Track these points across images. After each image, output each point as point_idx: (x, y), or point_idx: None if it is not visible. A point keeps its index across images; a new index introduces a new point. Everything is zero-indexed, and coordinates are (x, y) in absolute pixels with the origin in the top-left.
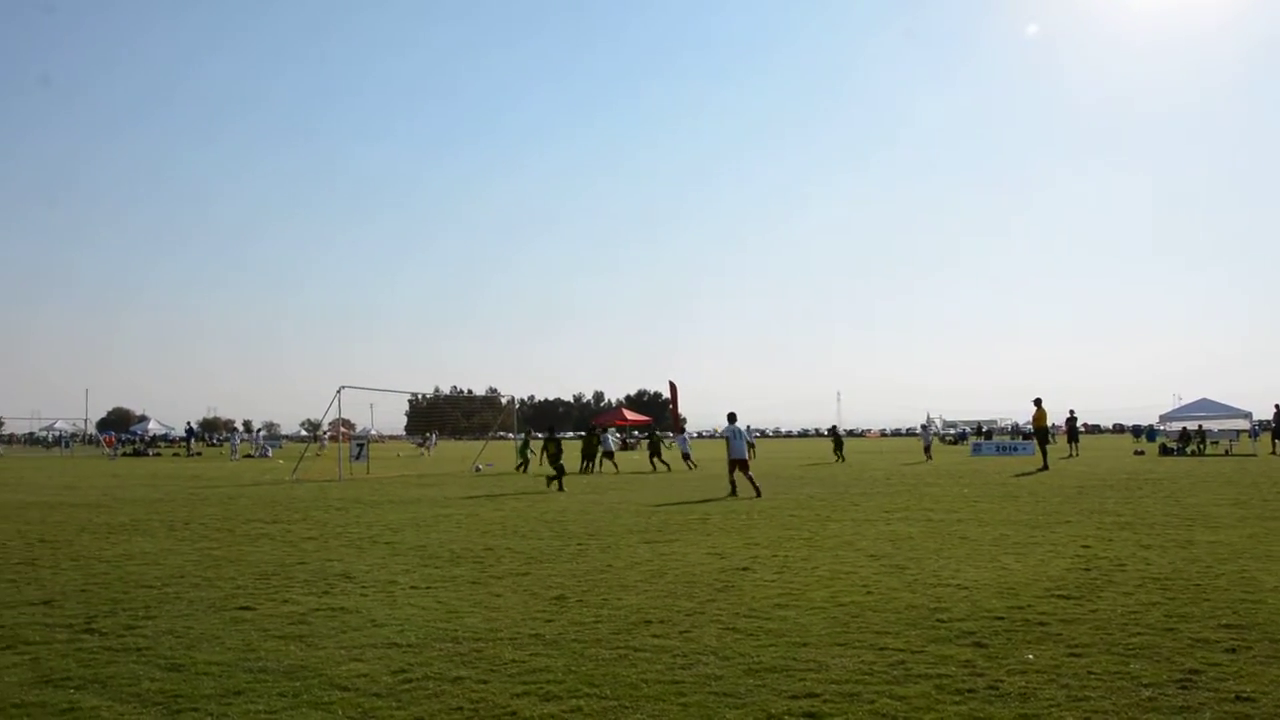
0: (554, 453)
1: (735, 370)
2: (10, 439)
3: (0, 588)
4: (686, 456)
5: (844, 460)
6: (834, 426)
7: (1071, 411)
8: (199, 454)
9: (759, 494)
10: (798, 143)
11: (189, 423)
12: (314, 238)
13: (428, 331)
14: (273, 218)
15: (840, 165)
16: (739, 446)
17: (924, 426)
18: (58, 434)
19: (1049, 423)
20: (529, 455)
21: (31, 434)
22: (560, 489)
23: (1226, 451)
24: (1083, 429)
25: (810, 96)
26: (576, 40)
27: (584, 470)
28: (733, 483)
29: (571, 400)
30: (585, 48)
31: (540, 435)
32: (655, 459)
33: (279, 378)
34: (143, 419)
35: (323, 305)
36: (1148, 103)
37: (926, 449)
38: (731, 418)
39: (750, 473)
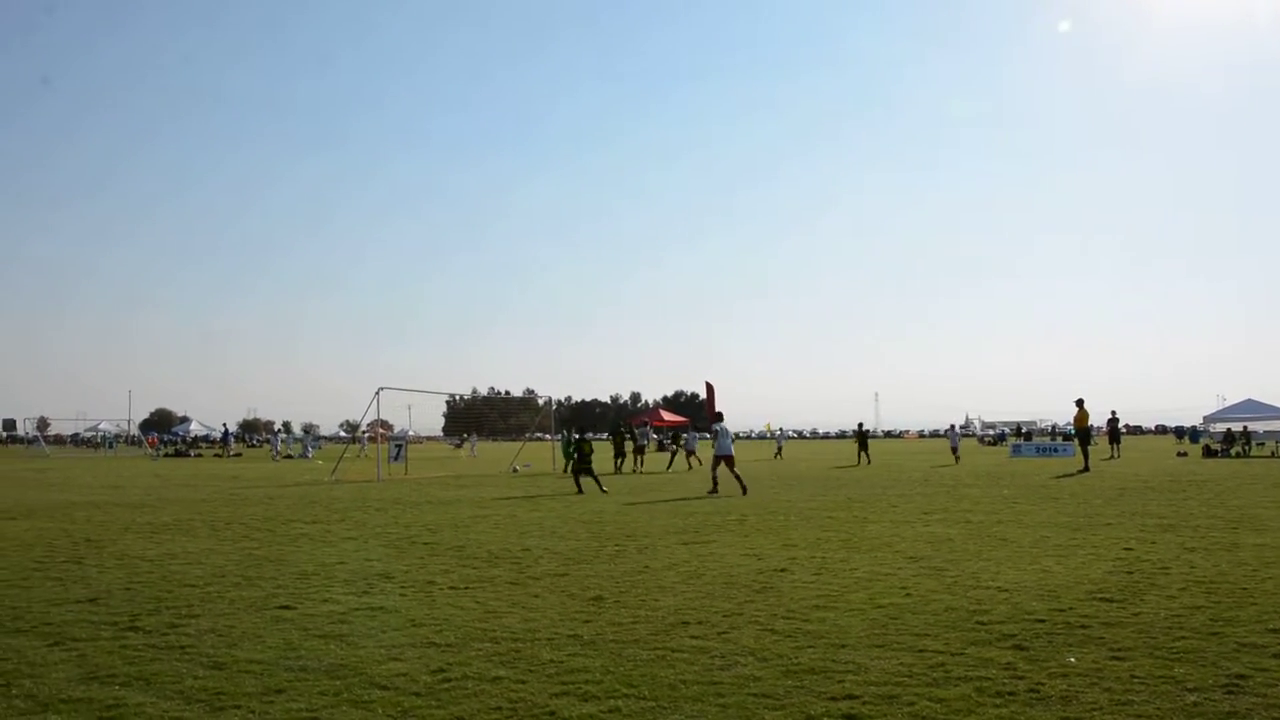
0: (586, 453)
1: (774, 371)
2: (57, 439)
3: (48, 586)
4: (691, 453)
5: (869, 462)
6: (860, 425)
7: (1113, 412)
8: (239, 455)
9: (744, 491)
10: (836, 143)
11: (224, 424)
12: (352, 241)
13: (465, 333)
14: (309, 221)
15: (876, 165)
16: (724, 444)
17: (952, 428)
18: (102, 435)
19: (1090, 424)
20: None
21: (77, 435)
22: (601, 489)
23: (1273, 453)
24: (1124, 430)
25: (846, 98)
26: (615, 39)
27: (617, 469)
28: (715, 479)
29: (609, 401)
30: (626, 46)
31: (577, 436)
32: (691, 458)
33: (317, 379)
34: (184, 420)
35: (361, 307)
36: (1186, 97)
37: (954, 450)
38: (719, 417)
39: (736, 469)
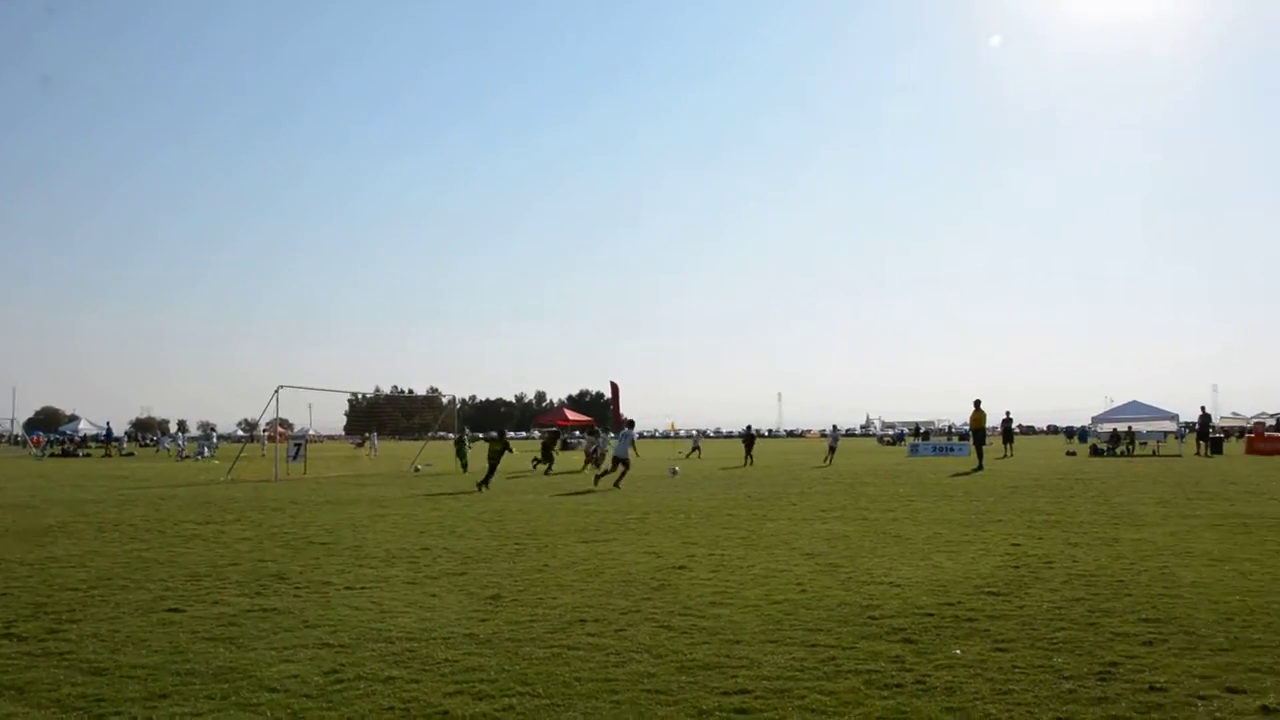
0: (497, 451)
1: (680, 371)
2: None
3: None
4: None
5: (751, 464)
6: (748, 427)
7: (1007, 413)
8: (131, 454)
9: (617, 486)
10: (745, 149)
11: (107, 423)
12: (264, 242)
13: (371, 332)
14: (219, 223)
15: (785, 170)
16: (622, 447)
17: (834, 429)
18: None
19: (985, 424)
20: (467, 456)
21: None
22: (483, 487)
23: (1154, 452)
24: (1017, 430)
25: (758, 105)
26: (530, 49)
27: (547, 472)
28: (603, 473)
29: (513, 400)
30: (543, 53)
31: (482, 436)
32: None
33: (214, 377)
34: (73, 418)
35: (268, 307)
36: (1089, 107)
37: (832, 450)
38: (630, 424)
39: (627, 472)
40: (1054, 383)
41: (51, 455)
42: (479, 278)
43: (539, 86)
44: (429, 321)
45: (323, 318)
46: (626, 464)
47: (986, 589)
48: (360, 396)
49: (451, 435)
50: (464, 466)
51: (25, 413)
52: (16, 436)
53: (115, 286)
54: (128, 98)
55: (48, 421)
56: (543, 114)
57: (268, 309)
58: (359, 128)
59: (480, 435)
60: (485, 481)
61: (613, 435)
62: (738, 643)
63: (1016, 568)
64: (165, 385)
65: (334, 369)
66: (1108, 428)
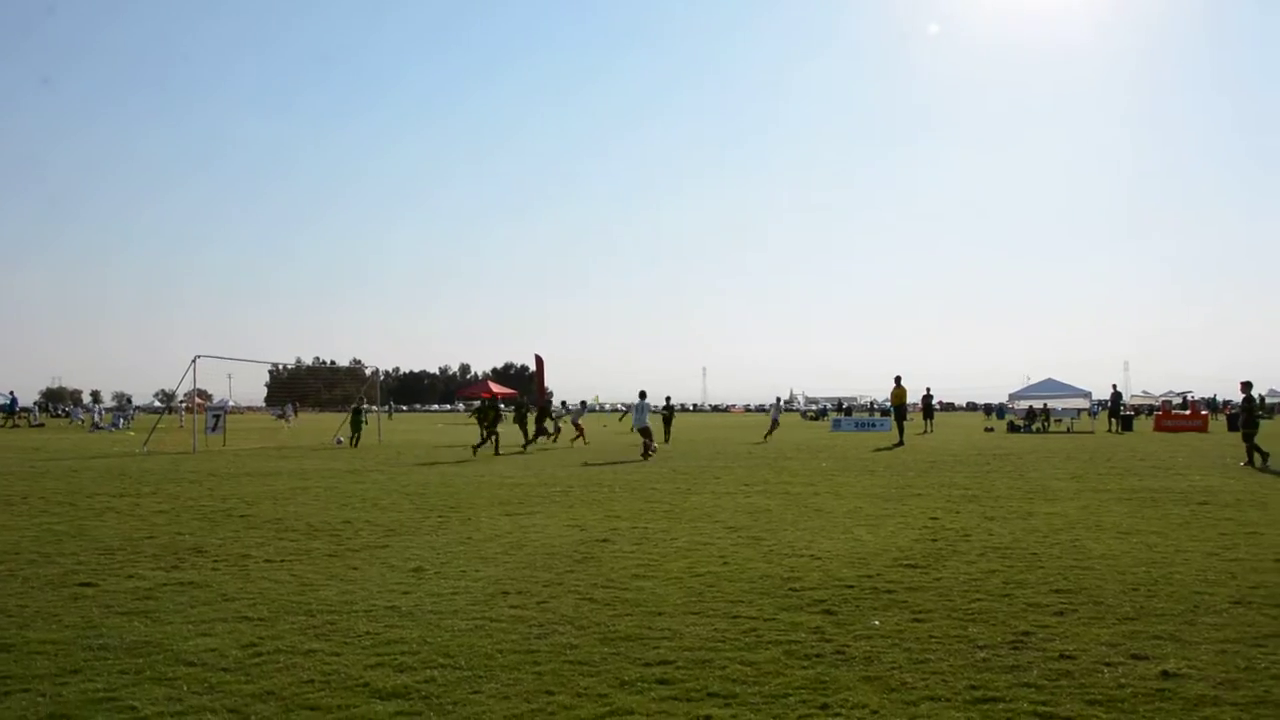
0: (492, 420)
1: (604, 345)
2: None
3: None
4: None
5: (668, 440)
6: (667, 399)
7: (928, 389)
8: (42, 425)
9: (647, 455)
10: (672, 118)
11: (10, 392)
12: (189, 210)
13: (295, 303)
14: (153, 185)
15: (712, 144)
16: (640, 418)
17: (777, 401)
18: None
19: (906, 400)
20: (362, 428)
21: None
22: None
23: (1068, 429)
24: (938, 407)
25: (693, 76)
26: (454, 12)
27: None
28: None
29: (437, 372)
30: (470, 16)
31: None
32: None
33: (130, 346)
34: None
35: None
36: (1002, 92)
37: (774, 424)
38: (642, 395)
39: (650, 439)
40: (974, 362)
41: None
42: (404, 248)
43: (467, 49)
44: (353, 293)
45: (245, 288)
46: (649, 433)
47: (905, 561)
48: (281, 367)
49: (377, 409)
50: (356, 441)
51: None
52: None
53: (33, 252)
54: (63, 60)
55: None
56: (468, 78)
57: (190, 278)
58: (291, 95)
59: (373, 408)
60: (484, 444)
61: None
62: (660, 614)
63: (934, 541)
64: (78, 354)
65: (257, 340)
66: (1024, 405)
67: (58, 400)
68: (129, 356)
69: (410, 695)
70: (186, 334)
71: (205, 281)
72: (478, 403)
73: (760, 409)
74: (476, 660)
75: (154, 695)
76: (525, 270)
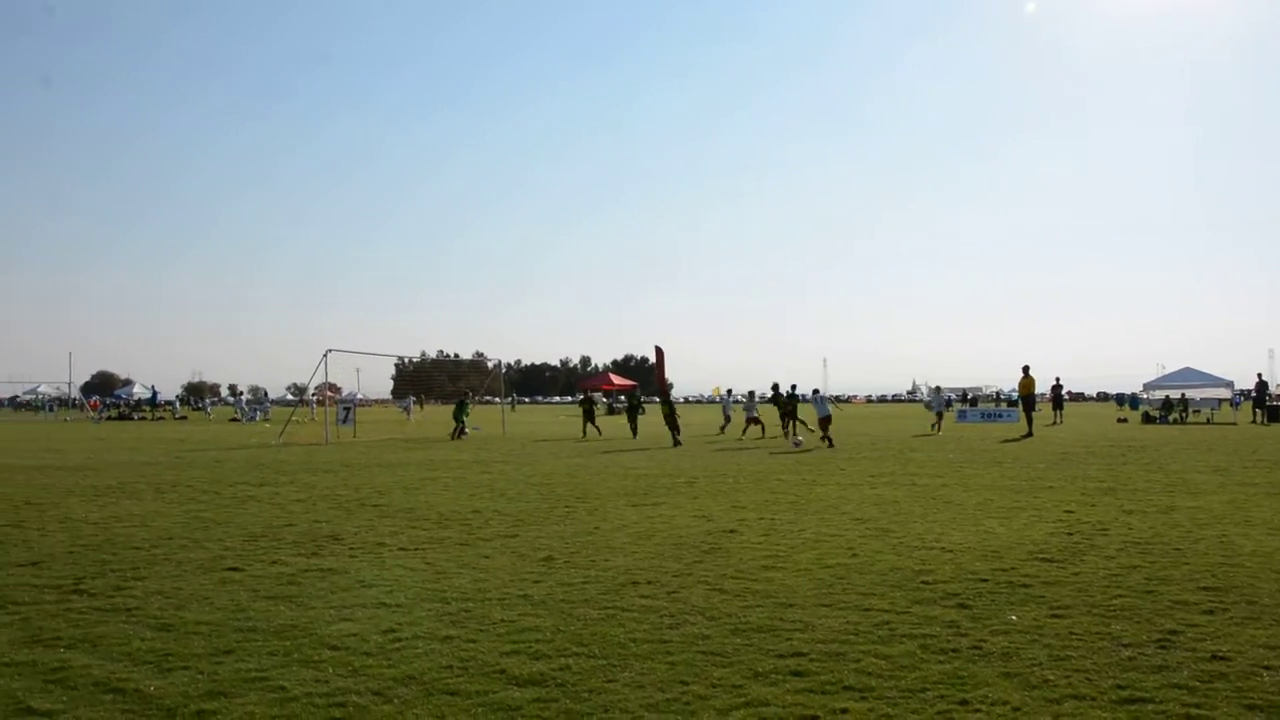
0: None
1: (723, 336)
2: None
3: None
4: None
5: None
6: (774, 386)
7: (1057, 379)
8: (184, 418)
9: (829, 443)
10: (784, 102)
11: (152, 386)
12: (287, 204)
13: (413, 295)
14: (248, 184)
15: (827, 128)
16: (822, 407)
17: (937, 391)
18: (41, 398)
19: (1035, 390)
20: (465, 420)
21: (15, 398)
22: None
23: (1208, 420)
24: (1067, 397)
25: (798, 57)
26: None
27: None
28: (826, 438)
29: (558, 365)
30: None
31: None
32: (633, 424)
33: (262, 341)
34: (127, 383)
35: (305, 270)
36: (1140, 70)
37: (939, 416)
38: (815, 391)
39: (828, 431)
40: (1106, 350)
41: (108, 418)
42: (522, 240)
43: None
44: (473, 287)
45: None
46: (829, 420)
47: (1040, 555)
48: (407, 360)
49: (500, 400)
50: (462, 430)
51: (81, 376)
52: (74, 400)
53: (181, 254)
54: (198, 78)
55: (103, 385)
56: (577, 59)
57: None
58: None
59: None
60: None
61: (806, 397)
62: (791, 606)
63: (1070, 534)
64: (218, 348)
65: (379, 334)
66: (1160, 394)
67: (198, 394)
68: (266, 350)
69: (546, 682)
70: (321, 328)
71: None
72: (580, 396)
73: (883, 399)
74: (610, 649)
75: (302, 677)
76: (642, 262)
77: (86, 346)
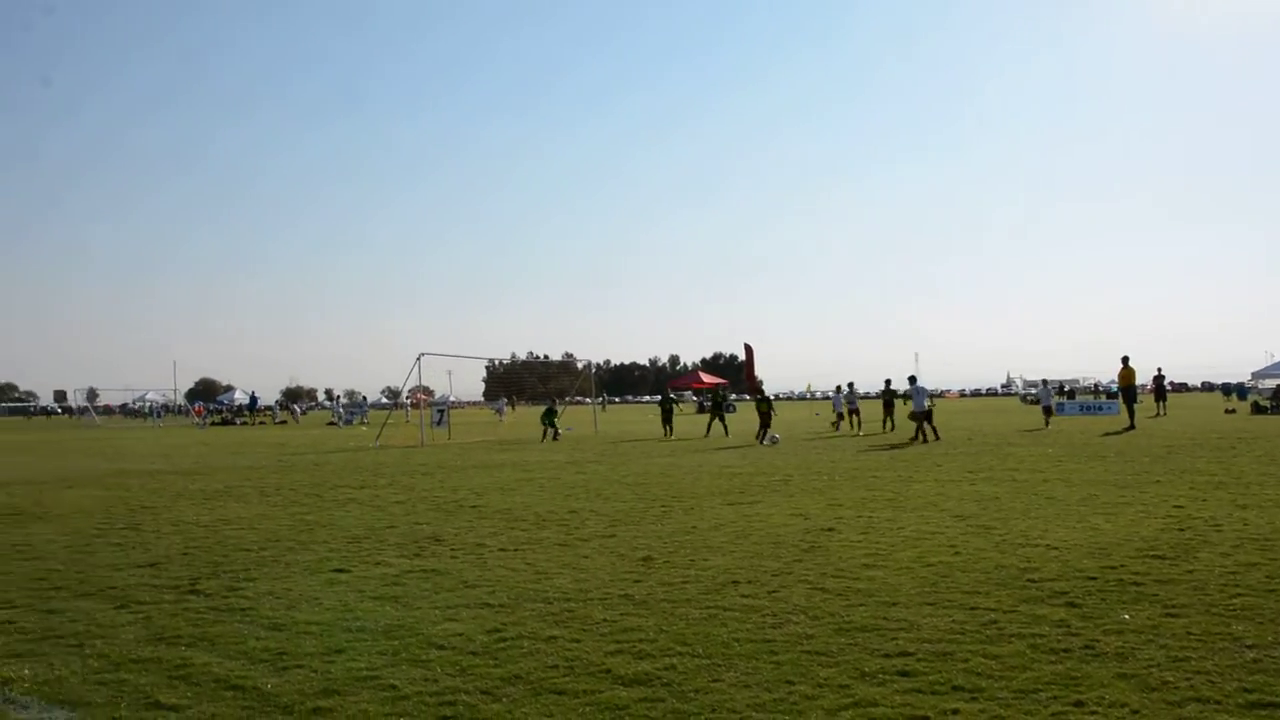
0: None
1: (812, 332)
2: (106, 410)
3: (109, 551)
4: (854, 412)
5: (893, 428)
6: (887, 383)
7: (1159, 369)
8: (284, 422)
9: (935, 438)
10: (870, 101)
11: (251, 392)
12: (366, 206)
13: (497, 297)
14: (325, 188)
15: (916, 126)
16: (919, 401)
17: (1043, 384)
18: (149, 405)
19: (1135, 381)
20: (555, 424)
21: (125, 405)
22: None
23: None
24: (1170, 387)
25: (886, 55)
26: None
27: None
28: (921, 431)
29: (647, 364)
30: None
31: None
32: (720, 420)
33: (354, 345)
34: (229, 389)
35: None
36: (1238, 53)
37: (1048, 412)
38: (912, 379)
39: (932, 423)
40: (1207, 338)
41: (212, 424)
42: (606, 241)
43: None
44: (562, 287)
45: (465, 284)
46: (926, 415)
47: (1151, 552)
48: (497, 362)
49: (590, 400)
50: (554, 434)
51: (185, 384)
52: (180, 406)
53: (265, 259)
54: (279, 79)
55: (206, 392)
56: (639, 70)
57: (414, 279)
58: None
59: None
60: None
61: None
62: (894, 605)
63: (1181, 530)
64: (314, 352)
65: (468, 336)
66: (1270, 384)
67: (295, 398)
68: (358, 354)
69: (652, 682)
70: (409, 331)
71: (428, 281)
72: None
73: (977, 393)
74: (714, 649)
75: (411, 676)
76: (729, 259)
77: (188, 355)
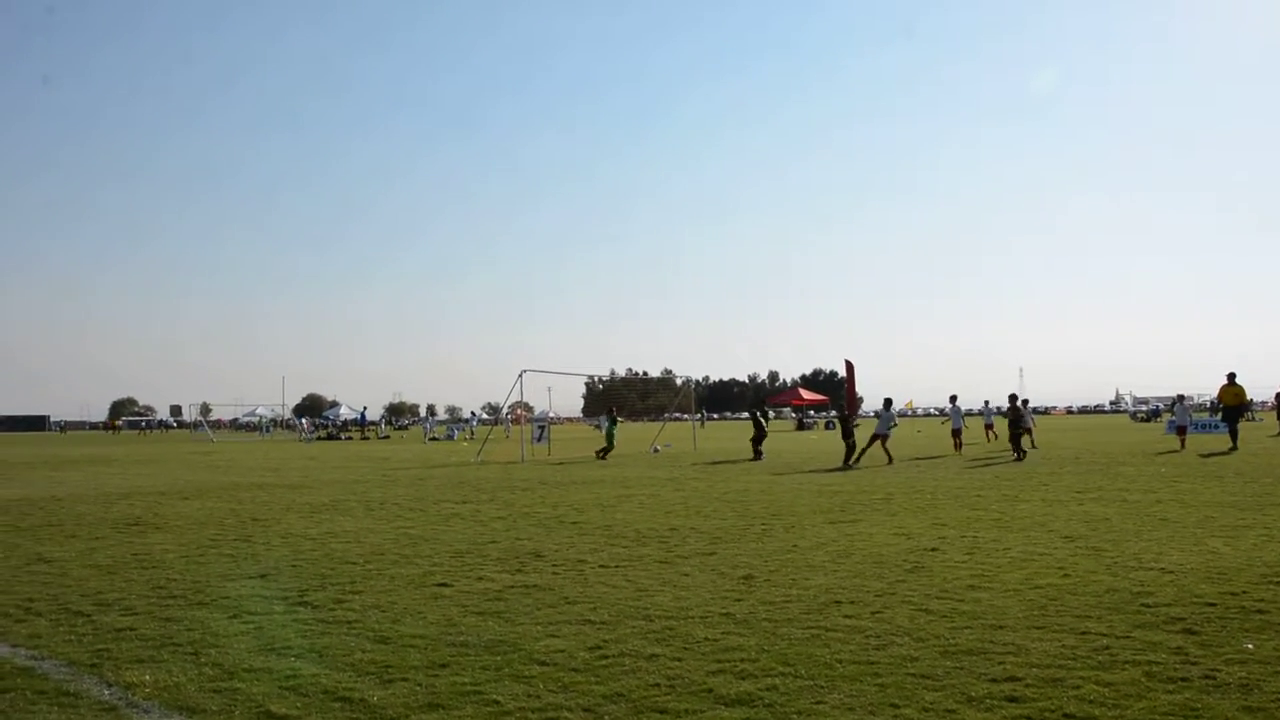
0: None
1: (914, 348)
2: (218, 424)
3: (222, 561)
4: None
5: (1026, 451)
6: (1013, 398)
7: None
8: (387, 437)
9: (889, 461)
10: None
11: (364, 408)
12: (482, 225)
13: (600, 316)
14: (438, 209)
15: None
16: (882, 425)
17: (1179, 401)
18: (260, 419)
19: (1250, 399)
20: (614, 438)
21: (236, 420)
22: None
23: None
24: None
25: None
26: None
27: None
28: (862, 452)
29: (746, 380)
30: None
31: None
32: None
33: (454, 363)
34: (334, 404)
35: (493, 291)
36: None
37: (1182, 434)
38: (887, 403)
39: (886, 446)
40: None
41: (318, 439)
42: (712, 258)
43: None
44: (661, 304)
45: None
46: (883, 437)
47: (1275, 579)
48: (597, 379)
49: (687, 417)
50: (610, 447)
51: (293, 399)
52: (288, 421)
53: (379, 279)
54: (406, 95)
55: (312, 407)
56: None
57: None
58: (577, 111)
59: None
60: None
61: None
62: (1001, 628)
63: None
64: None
65: (567, 352)
66: None
67: (398, 414)
68: (462, 369)
69: (754, 703)
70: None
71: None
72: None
73: (1084, 410)
74: (816, 670)
75: (514, 691)
76: (828, 275)
77: (295, 370)
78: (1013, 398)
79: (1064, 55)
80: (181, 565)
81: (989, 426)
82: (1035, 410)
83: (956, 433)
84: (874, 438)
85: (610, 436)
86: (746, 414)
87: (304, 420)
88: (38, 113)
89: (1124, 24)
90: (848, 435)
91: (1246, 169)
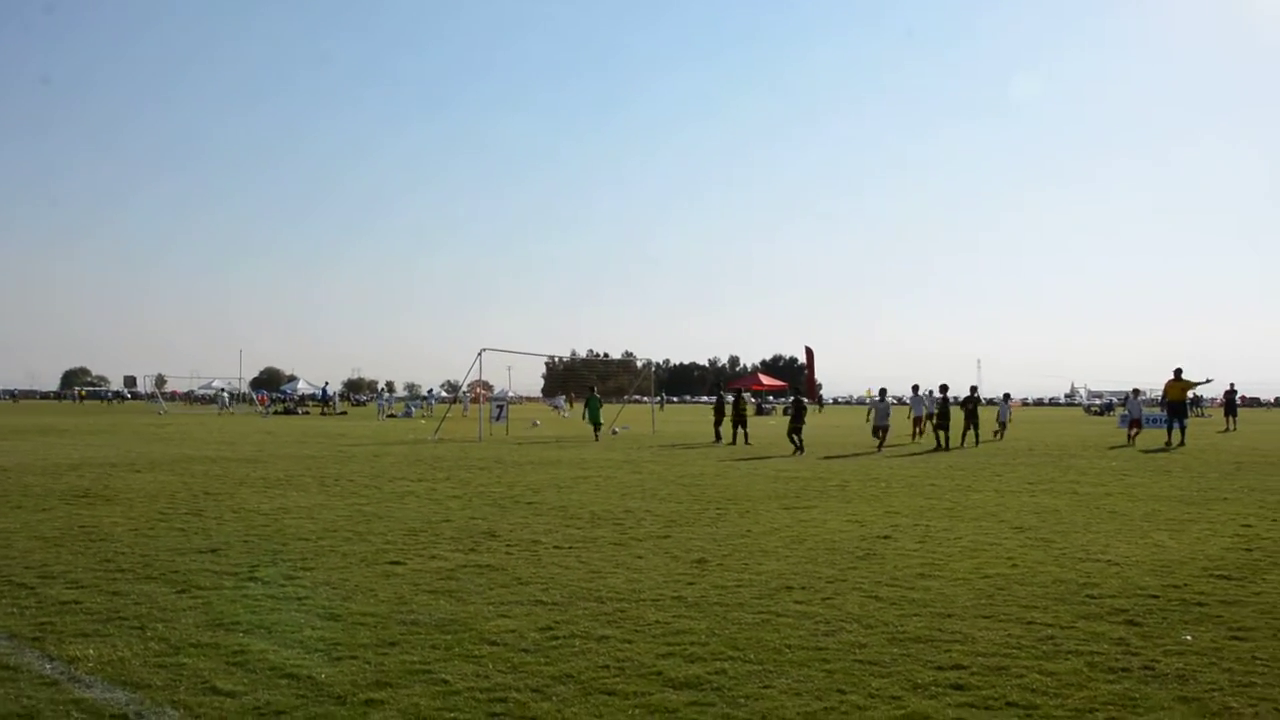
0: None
1: (873, 336)
2: (173, 396)
3: (172, 535)
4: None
5: (976, 443)
6: (973, 389)
7: (1231, 385)
8: (345, 413)
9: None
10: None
11: (325, 384)
12: (448, 206)
13: (565, 297)
14: (405, 187)
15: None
16: (883, 413)
17: (1134, 394)
18: (214, 392)
19: (1191, 396)
20: (600, 419)
21: (191, 392)
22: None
23: None
24: (1240, 402)
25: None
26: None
27: (735, 439)
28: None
29: (707, 364)
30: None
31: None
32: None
33: (415, 341)
34: (292, 379)
35: (461, 271)
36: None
37: (1135, 424)
38: (883, 393)
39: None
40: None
41: (275, 413)
42: (675, 243)
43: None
44: (624, 287)
45: (517, 282)
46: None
47: (1216, 572)
48: (557, 360)
49: (646, 399)
50: (596, 427)
51: (250, 373)
52: (244, 394)
53: (344, 259)
54: (376, 75)
55: (270, 381)
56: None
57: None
58: (543, 96)
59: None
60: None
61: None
62: (949, 616)
63: (1249, 550)
64: (376, 346)
65: (530, 335)
66: None
67: (357, 390)
68: (424, 347)
69: (702, 686)
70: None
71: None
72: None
73: (1039, 403)
74: (765, 654)
75: (464, 671)
76: (785, 262)
77: (253, 344)
78: (973, 389)
79: (1027, 55)
80: (130, 539)
81: (919, 420)
82: (990, 401)
83: (917, 420)
84: (877, 429)
85: (596, 416)
86: (788, 400)
87: (261, 393)
88: (2, 86)
89: (1088, 21)
90: (796, 428)
91: (1212, 171)
